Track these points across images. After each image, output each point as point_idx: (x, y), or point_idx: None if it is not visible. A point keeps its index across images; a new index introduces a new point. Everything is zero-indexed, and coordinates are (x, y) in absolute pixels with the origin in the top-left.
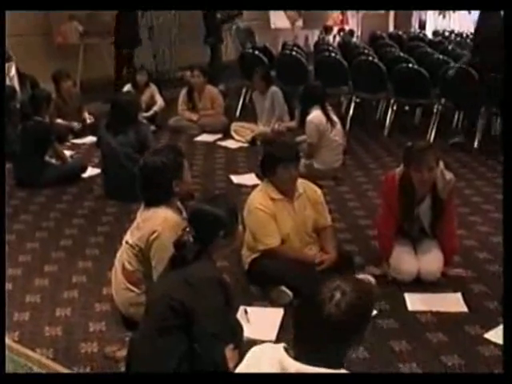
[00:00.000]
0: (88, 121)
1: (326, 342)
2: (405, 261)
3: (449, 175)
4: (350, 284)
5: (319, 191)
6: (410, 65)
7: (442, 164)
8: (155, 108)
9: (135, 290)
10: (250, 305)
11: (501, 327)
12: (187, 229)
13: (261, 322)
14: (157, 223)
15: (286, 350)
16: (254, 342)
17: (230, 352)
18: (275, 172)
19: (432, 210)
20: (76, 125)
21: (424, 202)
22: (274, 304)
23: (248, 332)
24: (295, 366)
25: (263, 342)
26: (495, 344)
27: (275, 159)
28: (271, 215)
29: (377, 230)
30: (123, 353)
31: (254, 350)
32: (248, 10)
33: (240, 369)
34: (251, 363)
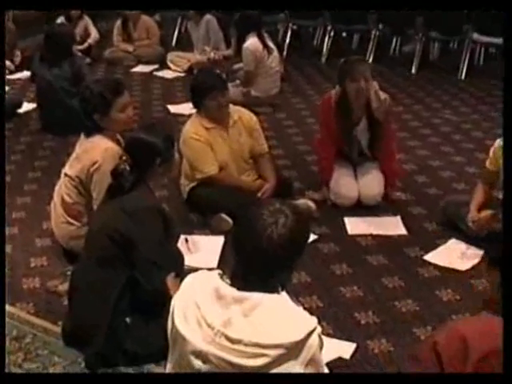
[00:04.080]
0: (18, 58)
1: (268, 267)
2: (345, 185)
3: (383, 95)
4: (288, 206)
5: (254, 118)
6: None
7: (376, 84)
8: (90, 40)
9: (75, 223)
10: (190, 233)
11: (439, 249)
12: (124, 157)
13: (202, 250)
14: (97, 154)
15: (220, 276)
16: (195, 271)
17: (171, 280)
18: (204, 102)
19: (369, 132)
20: (9, 64)
21: (360, 123)
22: (214, 232)
23: (189, 260)
24: (231, 292)
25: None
26: (434, 265)
27: (202, 90)
28: (206, 144)
29: (316, 154)
30: (65, 286)
31: (189, 278)
32: (250, 9)
33: (175, 297)
34: (186, 291)
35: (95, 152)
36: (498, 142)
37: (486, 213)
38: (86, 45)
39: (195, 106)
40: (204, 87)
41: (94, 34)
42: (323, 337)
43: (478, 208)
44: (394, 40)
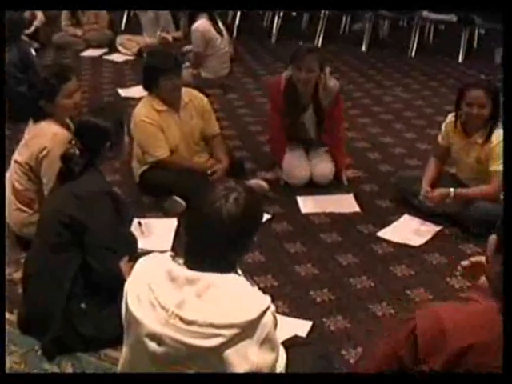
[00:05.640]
0: None
1: (220, 245)
2: (297, 165)
3: (333, 81)
4: (241, 185)
5: (206, 99)
6: None
7: (327, 70)
8: (36, 23)
9: (27, 210)
10: (143, 217)
11: (393, 225)
12: (73, 142)
13: (155, 233)
14: (46, 140)
15: (172, 257)
16: (149, 254)
17: (124, 264)
18: (158, 84)
19: (315, 119)
20: None
21: (308, 110)
22: (167, 214)
23: (143, 244)
24: (184, 273)
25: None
26: (388, 241)
27: (157, 71)
28: (157, 127)
29: (268, 134)
30: (20, 274)
31: (141, 261)
32: (249, 9)
33: (128, 281)
34: (139, 274)
35: (44, 138)
36: (449, 118)
37: (440, 189)
38: (32, 28)
39: (147, 87)
40: (158, 68)
41: (40, 15)
42: (279, 315)
43: (431, 183)
44: (344, 18)
